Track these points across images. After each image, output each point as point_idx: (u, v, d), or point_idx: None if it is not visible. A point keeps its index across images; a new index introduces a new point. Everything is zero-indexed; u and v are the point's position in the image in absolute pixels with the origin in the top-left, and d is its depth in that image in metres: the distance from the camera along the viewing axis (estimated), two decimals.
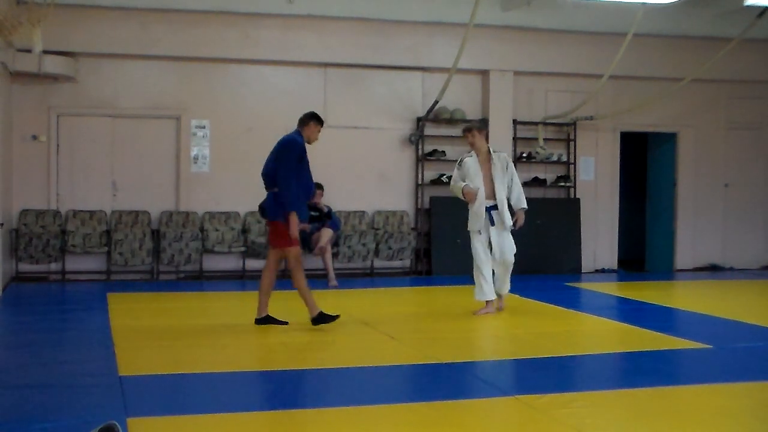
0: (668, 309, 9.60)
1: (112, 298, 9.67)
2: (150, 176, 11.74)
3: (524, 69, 12.72)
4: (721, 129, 13.78)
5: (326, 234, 11.26)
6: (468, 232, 8.58)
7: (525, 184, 12.80)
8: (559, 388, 5.61)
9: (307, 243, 11.46)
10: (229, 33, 11.67)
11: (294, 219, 7.55)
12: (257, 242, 11.61)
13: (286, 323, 7.82)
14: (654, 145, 14.05)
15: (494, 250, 8.51)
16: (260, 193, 11.82)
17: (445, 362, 6.47)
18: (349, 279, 11.51)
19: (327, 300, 10.17)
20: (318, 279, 11.49)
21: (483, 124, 8.72)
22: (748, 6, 11.05)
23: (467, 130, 8.66)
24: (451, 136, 12.58)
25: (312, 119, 7.98)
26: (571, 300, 10.30)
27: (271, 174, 7.76)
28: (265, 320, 7.81)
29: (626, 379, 6.27)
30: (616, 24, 11.90)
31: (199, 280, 11.58)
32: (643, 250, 14.09)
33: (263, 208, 7.88)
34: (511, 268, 8.68)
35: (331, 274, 11.11)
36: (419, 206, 12.47)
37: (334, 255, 11.56)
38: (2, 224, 10.25)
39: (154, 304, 9.79)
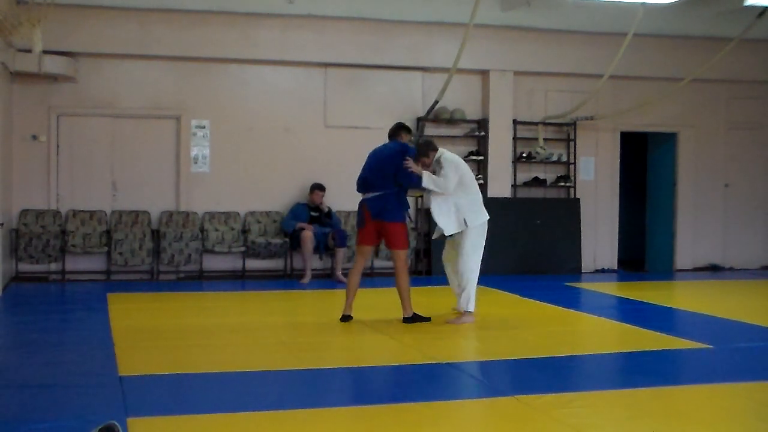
0: (668, 309, 9.60)
1: (112, 298, 9.67)
2: (150, 176, 11.74)
3: (524, 69, 12.72)
4: (721, 129, 13.78)
5: (340, 254, 11.47)
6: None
7: (525, 184, 12.90)
8: (559, 388, 5.61)
9: (297, 242, 11.47)
10: (229, 33, 11.67)
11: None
12: (257, 242, 11.62)
13: (429, 319, 8.16)
14: (654, 145, 14.05)
15: None
16: (260, 193, 11.97)
17: (445, 362, 6.47)
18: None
19: (326, 300, 10.19)
20: (322, 279, 11.50)
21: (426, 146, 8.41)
22: (748, 6, 11.04)
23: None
24: (451, 136, 12.59)
25: (402, 130, 8.31)
26: (571, 300, 10.30)
27: (378, 177, 8.03)
28: (413, 318, 8.07)
29: (626, 379, 6.27)
30: (616, 24, 11.90)
31: (199, 280, 11.58)
32: (643, 250, 14.09)
33: (378, 212, 7.99)
34: (461, 279, 8.17)
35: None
36: (419, 206, 12.47)
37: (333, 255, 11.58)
38: (2, 224, 10.25)
39: (154, 304, 9.78)
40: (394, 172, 8.03)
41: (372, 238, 8.18)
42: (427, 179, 8.04)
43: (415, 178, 8.02)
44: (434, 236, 8.65)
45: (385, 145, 8.32)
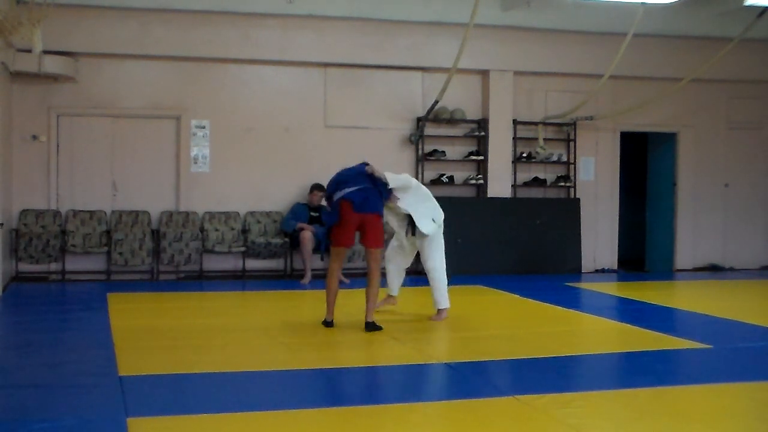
0: (668, 309, 9.60)
1: (112, 298, 9.67)
2: (150, 176, 11.74)
3: (524, 69, 12.72)
4: (721, 129, 13.78)
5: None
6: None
7: (525, 184, 12.90)
8: (559, 388, 5.61)
9: (297, 242, 11.47)
10: (229, 33, 11.67)
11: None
12: (257, 242, 11.62)
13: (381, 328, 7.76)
14: (654, 145, 14.05)
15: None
16: (260, 193, 11.97)
17: (445, 362, 6.48)
18: (350, 279, 11.50)
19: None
20: (322, 279, 11.49)
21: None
22: (748, 6, 11.05)
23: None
24: (451, 136, 12.59)
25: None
26: (571, 300, 10.30)
27: (352, 177, 7.78)
28: (373, 326, 7.72)
29: (626, 379, 6.28)
30: (616, 24, 11.90)
31: (199, 280, 11.58)
32: (643, 250, 14.09)
33: (362, 203, 7.66)
34: (432, 278, 8.29)
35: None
36: None
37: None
38: (2, 224, 10.25)
39: (154, 304, 9.79)
40: (368, 174, 7.83)
41: (351, 236, 7.79)
42: (390, 177, 7.90)
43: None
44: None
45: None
